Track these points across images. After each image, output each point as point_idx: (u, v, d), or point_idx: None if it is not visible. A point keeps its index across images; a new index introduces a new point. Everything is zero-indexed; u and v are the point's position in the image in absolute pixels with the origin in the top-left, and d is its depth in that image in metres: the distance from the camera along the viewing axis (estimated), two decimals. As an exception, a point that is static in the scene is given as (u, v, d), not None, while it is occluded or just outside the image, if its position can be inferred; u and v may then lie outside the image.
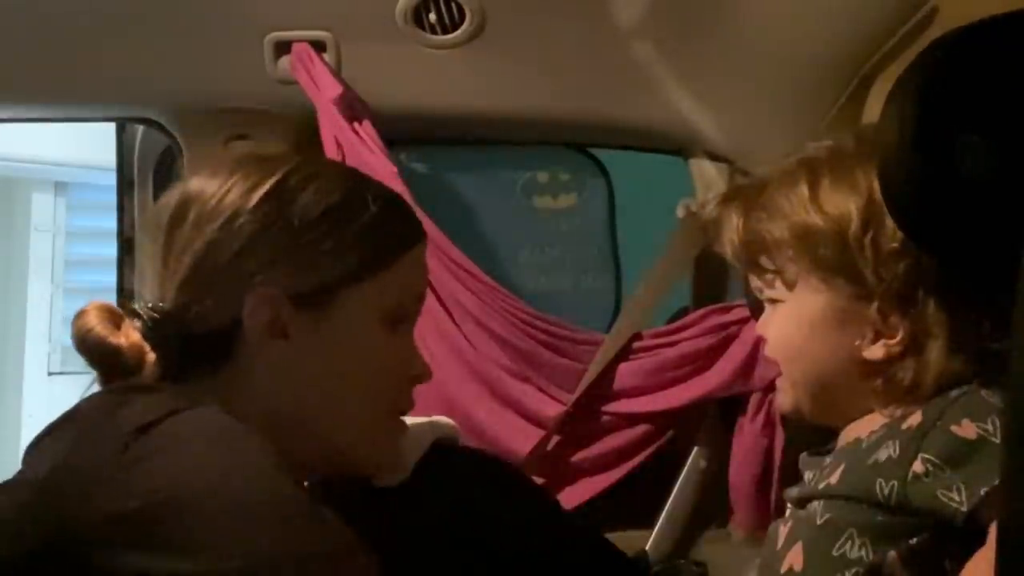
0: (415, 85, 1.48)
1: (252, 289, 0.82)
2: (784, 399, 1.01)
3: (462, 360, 1.41)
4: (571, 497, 1.40)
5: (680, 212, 1.55)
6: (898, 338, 0.91)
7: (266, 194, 0.84)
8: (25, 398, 3.66)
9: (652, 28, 1.38)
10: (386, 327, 0.87)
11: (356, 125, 1.41)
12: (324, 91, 1.40)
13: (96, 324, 0.84)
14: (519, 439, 1.40)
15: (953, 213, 0.82)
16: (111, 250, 1.65)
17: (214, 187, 0.85)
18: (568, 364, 1.44)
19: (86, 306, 0.86)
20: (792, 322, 0.97)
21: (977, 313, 0.89)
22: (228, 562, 0.66)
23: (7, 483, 0.76)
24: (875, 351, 0.93)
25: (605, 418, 1.44)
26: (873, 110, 1.25)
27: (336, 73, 1.42)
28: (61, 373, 3.57)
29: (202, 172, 0.88)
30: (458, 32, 1.39)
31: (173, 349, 0.84)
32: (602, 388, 1.42)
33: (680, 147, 1.57)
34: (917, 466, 0.84)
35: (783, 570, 0.92)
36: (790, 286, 0.97)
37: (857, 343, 0.93)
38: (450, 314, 1.42)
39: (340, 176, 0.88)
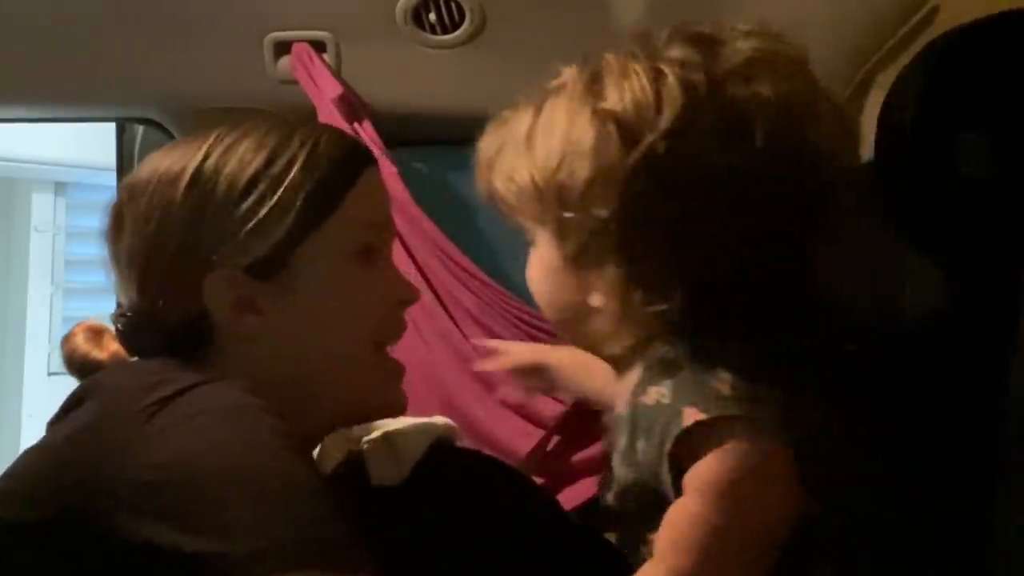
0: (415, 85, 1.48)
1: (205, 275, 0.82)
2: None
3: (462, 360, 1.41)
4: (571, 497, 1.40)
5: (680, 212, 1.54)
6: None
7: (190, 181, 0.82)
8: (25, 398, 3.66)
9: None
10: (358, 265, 0.86)
11: (356, 125, 1.41)
12: (324, 91, 1.41)
13: (80, 344, 0.87)
14: (519, 439, 1.40)
15: (953, 213, 0.82)
16: (111, 250, 1.64)
17: (140, 186, 0.84)
18: (568, 364, 1.44)
19: (74, 328, 0.87)
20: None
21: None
22: (235, 543, 0.65)
23: (29, 449, 0.76)
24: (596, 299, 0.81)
25: (605, 418, 1.43)
26: (873, 110, 1.26)
27: (336, 73, 1.42)
28: (61, 373, 3.55)
29: (128, 175, 0.88)
30: (458, 32, 1.39)
31: (150, 351, 0.85)
32: (602, 388, 1.42)
33: (680, 147, 1.57)
34: None
35: None
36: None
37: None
38: (450, 314, 1.41)
39: (263, 135, 0.85)
